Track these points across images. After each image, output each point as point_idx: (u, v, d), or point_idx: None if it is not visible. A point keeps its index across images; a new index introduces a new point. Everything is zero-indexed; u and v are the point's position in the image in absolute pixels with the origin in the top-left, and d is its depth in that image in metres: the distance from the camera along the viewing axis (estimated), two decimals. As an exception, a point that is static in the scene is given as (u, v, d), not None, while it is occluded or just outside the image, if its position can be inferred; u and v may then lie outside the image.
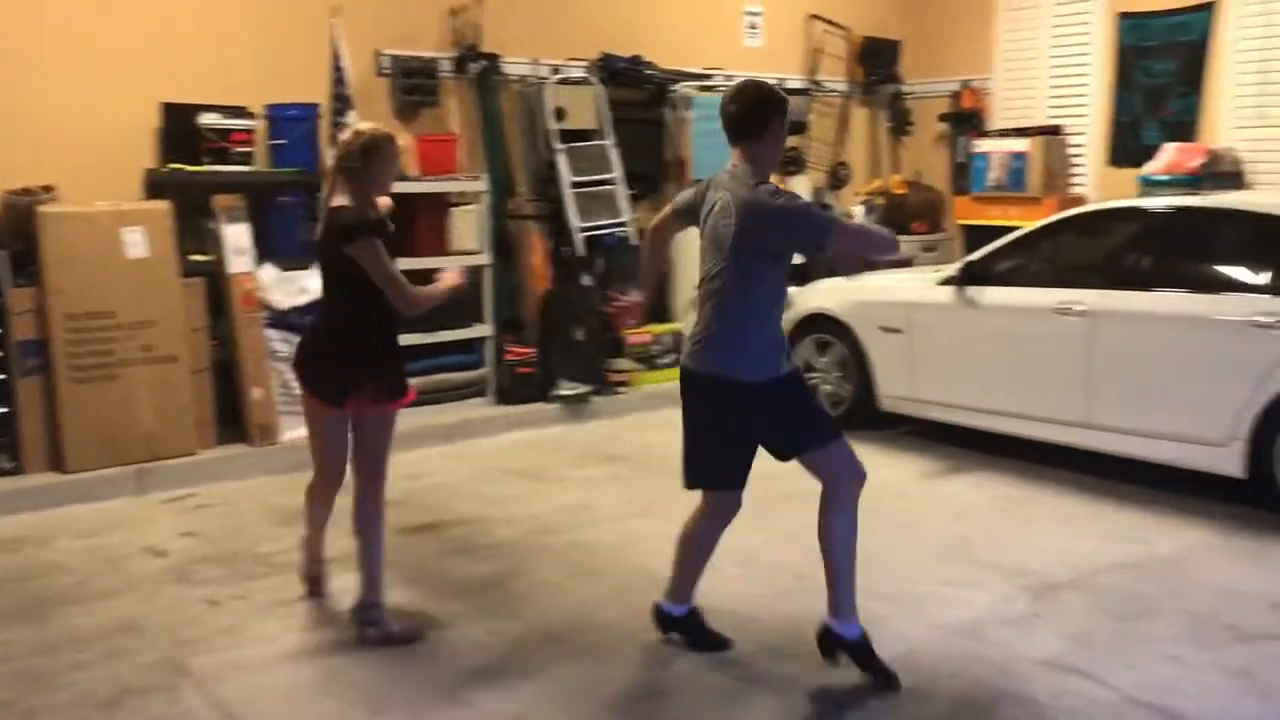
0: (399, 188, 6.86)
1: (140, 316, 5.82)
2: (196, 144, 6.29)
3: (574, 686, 3.60)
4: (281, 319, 6.27)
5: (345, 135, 3.84)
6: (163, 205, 6.07)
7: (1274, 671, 3.61)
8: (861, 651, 3.54)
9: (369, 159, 3.74)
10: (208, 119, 6.30)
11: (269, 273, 6.31)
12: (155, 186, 6.26)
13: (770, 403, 3.55)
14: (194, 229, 6.29)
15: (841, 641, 3.56)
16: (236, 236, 6.23)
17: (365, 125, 3.86)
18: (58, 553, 4.88)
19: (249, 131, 6.41)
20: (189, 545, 4.97)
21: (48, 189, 5.83)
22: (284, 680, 3.66)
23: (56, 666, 3.75)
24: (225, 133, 6.33)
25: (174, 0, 6.44)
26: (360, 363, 3.85)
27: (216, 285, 6.23)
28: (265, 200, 6.49)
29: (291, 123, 6.58)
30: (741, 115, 3.49)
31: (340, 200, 3.75)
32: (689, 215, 3.71)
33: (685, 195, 3.77)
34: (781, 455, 3.69)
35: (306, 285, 6.33)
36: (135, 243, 5.87)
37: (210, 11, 6.55)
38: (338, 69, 6.52)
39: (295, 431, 6.27)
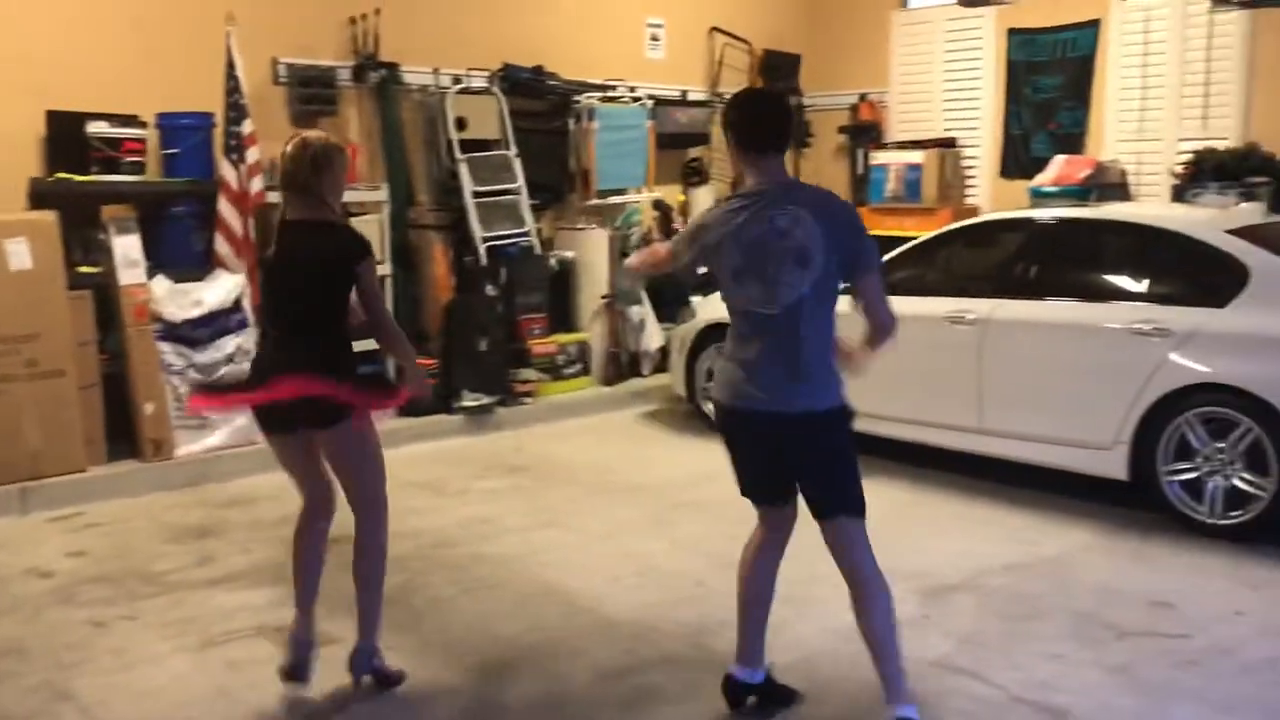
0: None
1: (25, 330, 5.65)
2: (85, 153, 6.13)
3: (472, 699, 3.59)
4: (174, 332, 6.14)
5: (290, 147, 3.53)
6: (48, 216, 5.89)
7: (1151, 667, 3.75)
8: None
9: (322, 172, 3.49)
10: (96, 127, 6.15)
11: (162, 285, 6.17)
12: (40, 196, 6.08)
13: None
14: (82, 240, 6.13)
15: None
16: (127, 248, 6.09)
17: (312, 134, 3.60)
18: (-64, 576, 4.72)
19: (140, 140, 6.27)
20: (76, 565, 4.84)
21: (-74, 199, 5.63)
22: (171, 701, 3.59)
23: (-65, 694, 3.62)
24: (115, 142, 6.18)
25: (62, 5, 6.28)
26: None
27: (106, 298, 6.08)
28: (157, 211, 6.36)
29: (185, 132, 6.45)
30: (788, 123, 3.28)
31: (302, 215, 3.51)
32: (711, 254, 3.27)
33: (709, 226, 3.30)
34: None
35: (201, 297, 6.21)
36: (19, 254, 5.70)
37: (100, 17, 6.40)
38: (232, 77, 6.41)
39: (191, 445, 6.16)
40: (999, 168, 8.97)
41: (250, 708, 3.52)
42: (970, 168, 9.12)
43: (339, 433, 3.54)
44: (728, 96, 3.15)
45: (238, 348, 6.25)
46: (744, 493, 3.54)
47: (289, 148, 3.53)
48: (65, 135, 6.14)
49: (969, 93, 9.14)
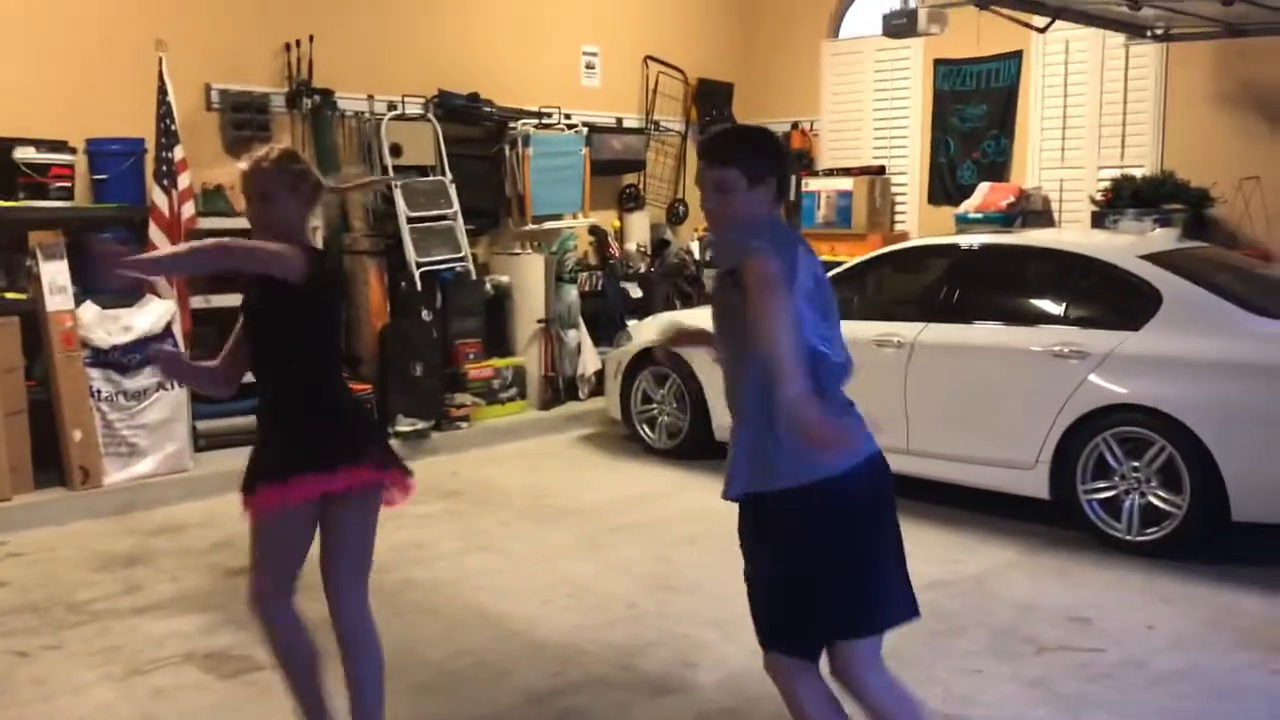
0: (228, 224, 6.81)
1: (-37, 360, 5.58)
2: (12, 178, 6.07)
3: (400, 724, 3.60)
4: (103, 357, 6.08)
5: (277, 154, 3.05)
6: (-26, 242, 5.83)
7: (1066, 680, 3.86)
8: None
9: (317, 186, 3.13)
10: (23, 153, 6.09)
11: (90, 311, 6.11)
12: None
13: None
14: (8, 265, 6.07)
15: None
16: (55, 274, 6.02)
17: (280, 144, 3.15)
18: None
19: (68, 166, 6.23)
20: (2, 594, 4.77)
21: None
22: (97, 731, 3.56)
23: None
24: (42, 167, 6.13)
25: (-13, 30, 6.24)
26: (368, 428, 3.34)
27: (34, 324, 6.01)
28: (86, 236, 6.29)
29: (115, 158, 6.42)
30: None
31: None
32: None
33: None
34: None
35: (131, 323, 6.16)
36: (-58, 280, 5.63)
37: (29, 43, 6.35)
38: (164, 103, 6.38)
39: (119, 474, 6.09)
40: (927, 195, 9.18)
41: (176, 736, 3.50)
42: (899, 194, 9.32)
43: (375, 498, 3.18)
44: (739, 135, 2.87)
45: (168, 374, 6.20)
46: (885, 622, 2.86)
47: (275, 154, 3.07)
48: (-6, 159, 6.08)
49: (898, 121, 9.35)
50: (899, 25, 7.25)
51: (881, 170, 9.24)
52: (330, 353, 3.24)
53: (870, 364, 6.07)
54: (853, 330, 6.00)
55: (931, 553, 5.22)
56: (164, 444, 6.23)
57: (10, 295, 6.01)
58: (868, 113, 9.53)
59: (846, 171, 9.21)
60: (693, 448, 6.87)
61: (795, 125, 9.87)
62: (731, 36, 10.18)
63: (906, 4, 7.15)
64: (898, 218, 9.31)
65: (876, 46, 9.23)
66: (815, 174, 9.49)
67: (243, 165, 3.04)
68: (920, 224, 9.11)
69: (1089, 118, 8.32)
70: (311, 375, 3.10)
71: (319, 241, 2.83)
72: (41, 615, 4.52)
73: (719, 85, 10.01)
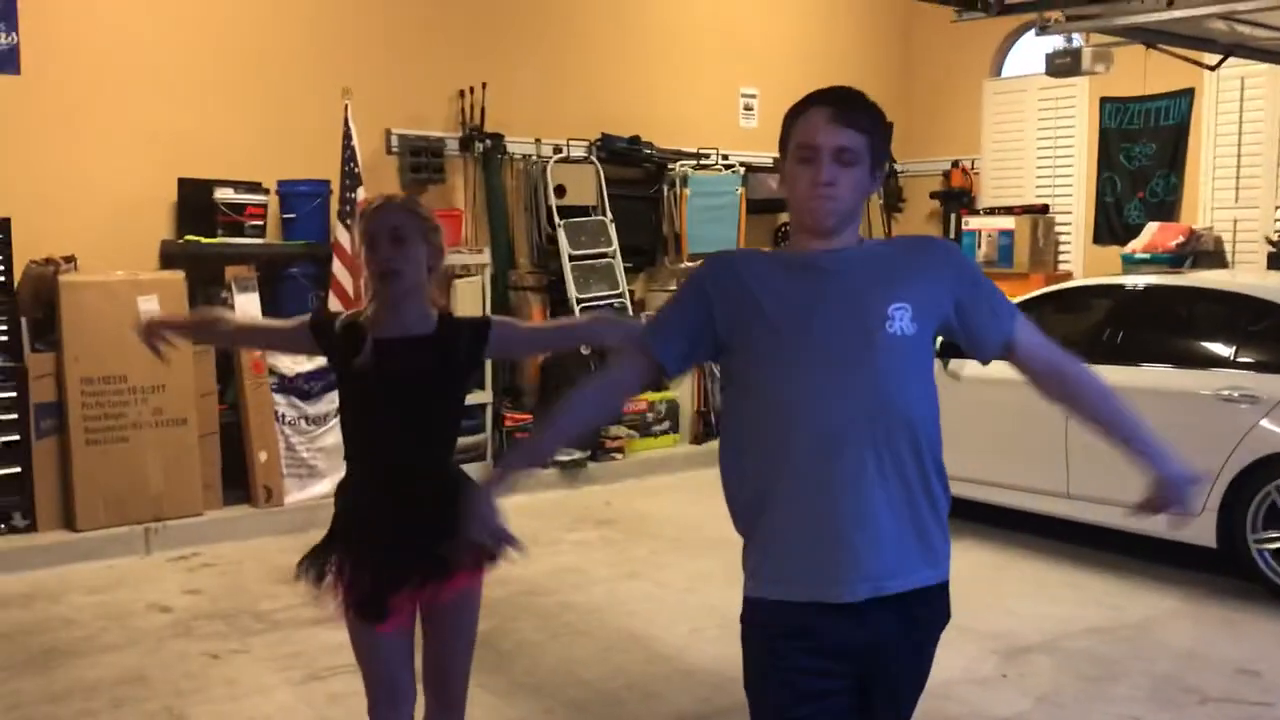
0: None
1: (152, 381, 6.05)
2: (212, 217, 6.59)
3: (556, 738, 3.76)
4: (288, 384, 6.51)
5: (404, 202, 2.75)
6: (177, 275, 6.34)
7: (1230, 732, 3.76)
8: None
9: None
10: (223, 194, 6.61)
11: (277, 340, 6.55)
12: (170, 257, 6.56)
13: None
14: (207, 297, 6.56)
15: None
16: (247, 305, 6.50)
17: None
18: (67, 608, 5.07)
19: (262, 206, 6.71)
20: (192, 602, 5.15)
21: (68, 259, 6.11)
22: (279, 730, 3.83)
23: (63, 715, 3.92)
24: (239, 207, 6.63)
25: (193, 79, 6.79)
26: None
27: (227, 352, 6.48)
28: (276, 271, 6.77)
29: (302, 198, 6.88)
30: None
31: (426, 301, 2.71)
32: None
33: None
34: None
35: (313, 353, 6.57)
36: (149, 310, 6.11)
37: (228, 92, 6.89)
38: (348, 147, 6.81)
39: (299, 493, 6.49)
40: (1092, 234, 8.98)
41: (350, 738, 3.74)
42: (1063, 234, 9.14)
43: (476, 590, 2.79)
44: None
45: (345, 401, 6.59)
46: None
47: (403, 202, 2.76)
48: (194, 201, 6.62)
49: (1062, 160, 9.20)
50: (1063, 64, 7.16)
51: (1045, 209, 9.09)
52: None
53: (1030, 406, 6.00)
54: (1012, 370, 6.02)
55: (1090, 597, 5.13)
56: (340, 466, 6.58)
57: (207, 325, 6.50)
58: (1030, 151, 9.41)
59: (1008, 210, 9.09)
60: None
61: (955, 164, 9.81)
62: (892, 75, 10.19)
63: (1070, 43, 7.07)
64: (1061, 257, 9.13)
65: (1040, 85, 9.11)
66: (975, 212, 9.40)
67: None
68: (1085, 264, 8.91)
69: (1266, 155, 8.02)
70: None
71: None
72: (230, 622, 4.87)
73: (877, 125, 10.03)
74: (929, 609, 2.17)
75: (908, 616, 2.12)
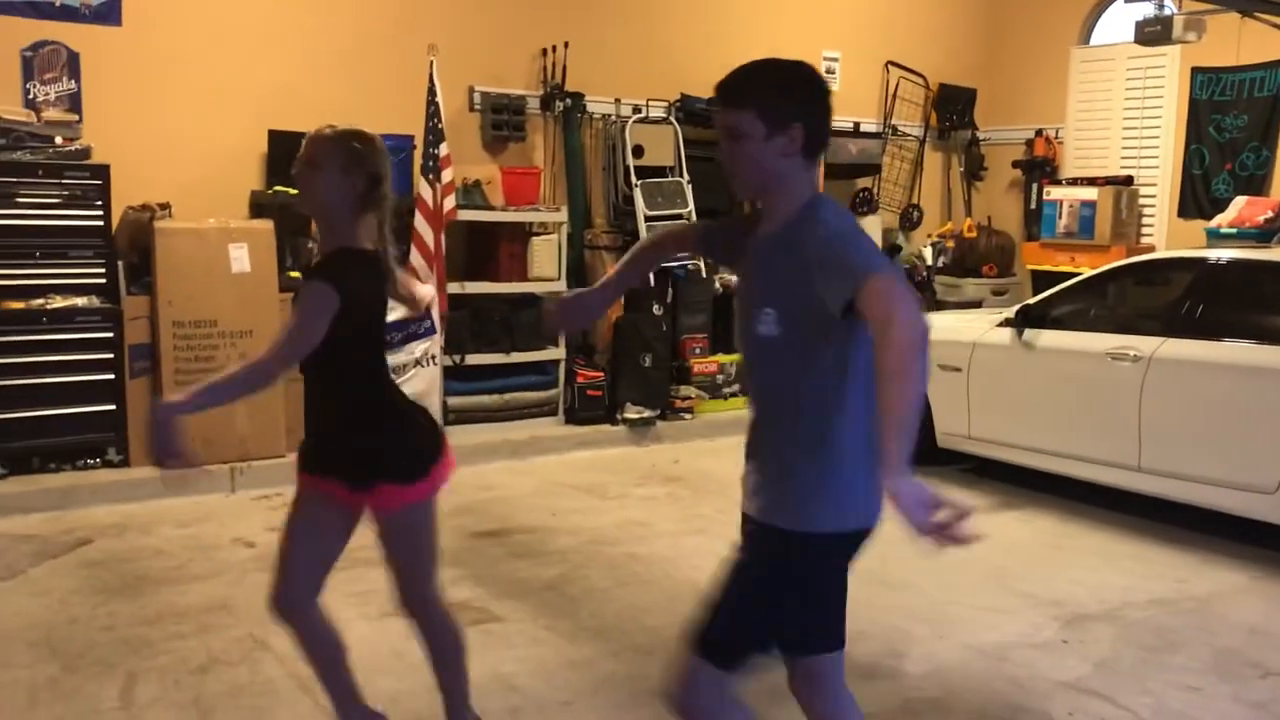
0: (484, 216, 7.34)
1: (241, 326, 6.28)
2: (299, 169, 6.76)
3: (618, 680, 3.89)
4: (369, 334, 6.69)
5: (343, 129, 2.91)
6: (266, 224, 6.54)
7: (1291, 706, 3.76)
8: None
9: None
10: (311, 146, 6.77)
11: (360, 291, 6.73)
12: (259, 207, 6.77)
13: None
14: (294, 247, 6.76)
15: None
16: (331, 256, 6.67)
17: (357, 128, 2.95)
18: (158, 539, 5.32)
19: (349, 158, 6.87)
20: (274, 539, 5.30)
21: (164, 206, 6.34)
22: (354, 659, 4.00)
23: (155, 636, 4.15)
24: (325, 159, 6.79)
25: (284, 36, 6.97)
26: None
27: (311, 301, 6.67)
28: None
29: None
30: None
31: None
32: None
33: None
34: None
35: (395, 304, 6.74)
36: (239, 258, 6.35)
37: (317, 46, 7.06)
38: (432, 103, 6.94)
39: (376, 440, 6.68)
40: (1177, 207, 8.82)
41: (422, 669, 3.90)
42: (1147, 206, 8.99)
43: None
44: (792, 77, 2.28)
45: (424, 352, 6.77)
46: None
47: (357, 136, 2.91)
48: (284, 152, 6.77)
49: (1149, 131, 9.03)
50: (1153, 33, 7.04)
51: (1129, 180, 8.94)
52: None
53: (1103, 377, 5.99)
54: (1086, 342, 6.01)
55: (1155, 570, 5.12)
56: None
57: (294, 274, 6.70)
58: (1116, 121, 9.24)
59: (1091, 181, 8.96)
60: (914, 453, 6.88)
61: (1039, 133, 9.67)
62: (976, 42, 10.07)
63: (1162, 11, 6.94)
64: (1144, 230, 8.98)
65: (1129, 54, 8.93)
66: (1058, 183, 9.27)
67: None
68: (1168, 237, 8.77)
69: (1364, 129, 7.81)
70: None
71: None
72: (310, 558, 5.07)
73: (960, 90, 9.93)
74: None
75: None
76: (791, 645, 2.51)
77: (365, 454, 2.99)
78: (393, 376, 3.21)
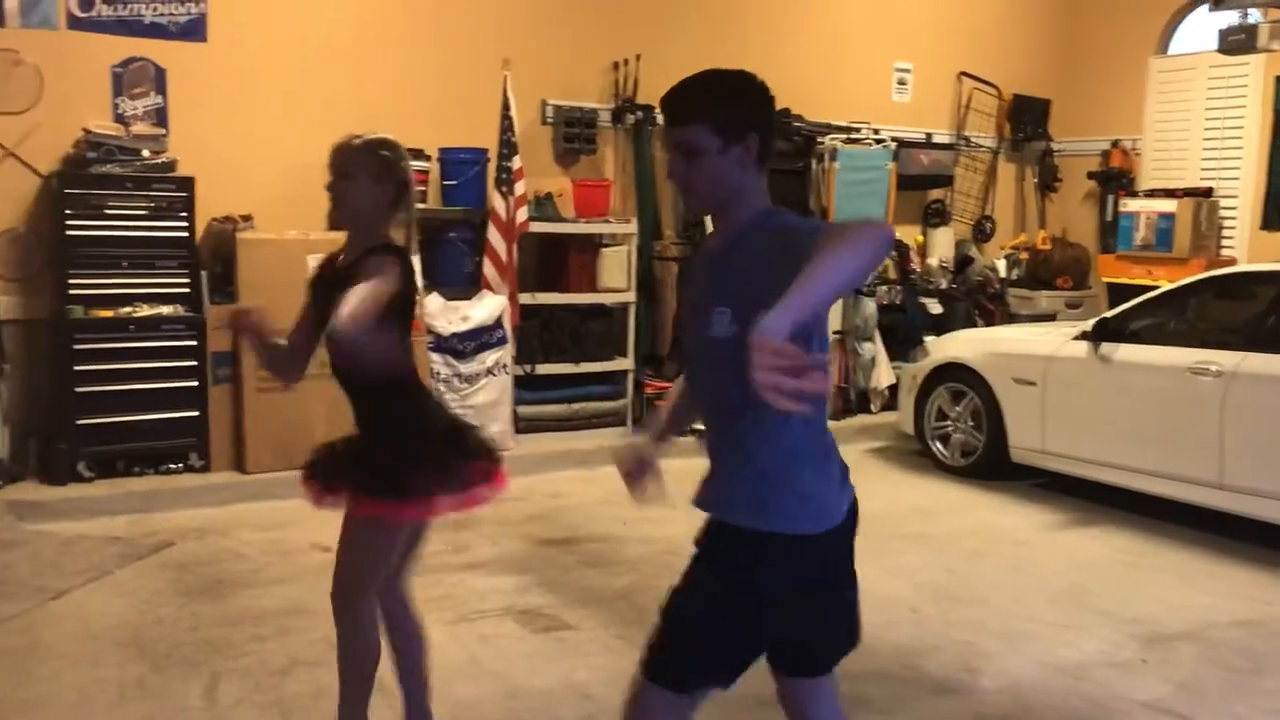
0: (555, 228, 7.41)
1: (319, 336, 6.39)
2: (379, 182, 6.89)
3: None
4: (444, 343, 6.79)
5: (370, 138, 2.97)
6: (343, 235, 6.64)
7: (1382, 732, 3.65)
8: None
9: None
10: (388, 159, 6.89)
11: (435, 301, 6.84)
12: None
13: None
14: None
15: None
16: (407, 267, 6.78)
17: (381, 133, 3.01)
18: (237, 543, 5.44)
19: (424, 172, 6.99)
20: (351, 544, 5.46)
21: (246, 217, 6.50)
22: (433, 662, 4.06)
23: (237, 638, 4.24)
24: (404, 172, 6.92)
25: (363, 52, 7.11)
26: None
27: (387, 311, 6.78)
28: (435, 235, 7.05)
29: (462, 165, 7.13)
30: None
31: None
32: None
33: None
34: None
35: (469, 314, 6.84)
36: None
37: (395, 62, 7.19)
38: (506, 116, 7.03)
39: (449, 449, 6.77)
40: (1260, 219, 8.63)
41: (498, 675, 3.96)
42: (1228, 218, 8.80)
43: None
44: (734, 83, 2.26)
45: (496, 362, 6.86)
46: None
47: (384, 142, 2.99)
48: (361, 165, 6.92)
49: (1230, 141, 8.84)
50: (1238, 42, 6.91)
51: (1209, 192, 8.76)
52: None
53: (1183, 392, 5.88)
54: (1166, 356, 5.90)
55: (1237, 589, 5.01)
56: (489, 424, 6.86)
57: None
58: (1196, 132, 9.06)
59: (1170, 193, 8.79)
60: (987, 467, 6.83)
61: (1115, 144, 9.53)
62: (1051, 52, 9.94)
63: (1246, 19, 6.80)
64: (1225, 242, 8.79)
65: (1210, 63, 8.75)
66: (1135, 194, 9.11)
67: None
68: (1250, 250, 8.57)
69: None
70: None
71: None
72: (385, 564, 5.15)
73: (1034, 101, 9.81)
74: None
75: None
76: (791, 661, 2.46)
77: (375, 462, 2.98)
78: (429, 385, 3.25)
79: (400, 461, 2.93)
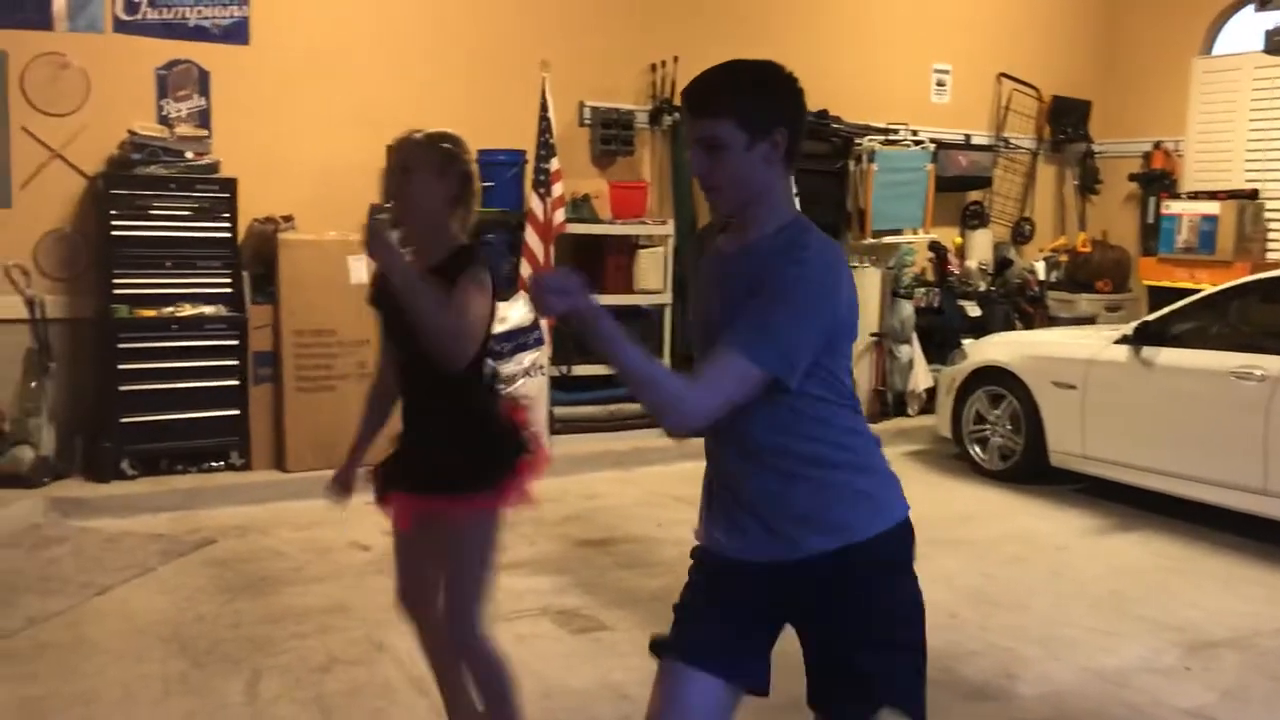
0: (592, 229, 7.43)
1: (358, 336, 6.45)
2: (419, 184, 6.93)
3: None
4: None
5: (430, 132, 2.96)
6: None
7: None
8: None
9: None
10: (430, 162, 6.94)
11: (471, 302, 6.86)
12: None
13: None
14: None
15: None
16: (445, 268, 6.82)
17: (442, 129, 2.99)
18: (277, 541, 5.50)
19: (462, 174, 7.02)
20: (388, 543, 5.45)
21: (287, 218, 6.57)
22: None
23: (278, 635, 4.29)
24: (442, 173, 6.95)
25: (403, 55, 7.16)
26: None
27: (425, 311, 6.82)
28: (473, 237, 7.07)
29: (500, 167, 7.16)
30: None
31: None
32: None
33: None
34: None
35: (506, 315, 6.86)
36: (358, 270, 6.52)
37: (435, 64, 7.24)
38: (544, 118, 7.06)
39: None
40: (1306, 221, 8.51)
41: (535, 674, 3.97)
42: (1273, 221, 8.67)
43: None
44: (779, 80, 2.15)
45: (533, 362, 6.88)
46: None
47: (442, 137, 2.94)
48: (400, 167, 6.97)
49: (1275, 142, 8.72)
50: (1282, 41, 6.81)
51: (1254, 194, 8.64)
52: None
53: (1226, 397, 5.80)
54: (1209, 360, 5.83)
55: (1284, 598, 4.94)
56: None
57: (408, 285, 6.87)
58: (1241, 133, 8.95)
59: (1213, 195, 8.68)
60: (1026, 471, 6.78)
61: (1157, 145, 9.42)
62: (1091, 54, 9.86)
63: (1292, 18, 6.71)
64: (1270, 245, 8.67)
65: (1256, 63, 8.64)
66: (1177, 196, 9.01)
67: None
68: (1296, 253, 8.46)
69: None
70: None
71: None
72: (423, 563, 5.18)
73: (1075, 103, 9.73)
74: None
75: None
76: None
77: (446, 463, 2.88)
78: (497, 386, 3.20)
79: (485, 452, 2.88)
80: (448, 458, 2.85)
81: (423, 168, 2.83)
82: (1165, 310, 6.31)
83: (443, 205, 2.87)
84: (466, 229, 2.98)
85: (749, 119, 2.05)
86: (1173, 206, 8.87)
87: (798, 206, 2.34)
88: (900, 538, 2.22)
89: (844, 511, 2.13)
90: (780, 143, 2.08)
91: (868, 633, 2.13)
